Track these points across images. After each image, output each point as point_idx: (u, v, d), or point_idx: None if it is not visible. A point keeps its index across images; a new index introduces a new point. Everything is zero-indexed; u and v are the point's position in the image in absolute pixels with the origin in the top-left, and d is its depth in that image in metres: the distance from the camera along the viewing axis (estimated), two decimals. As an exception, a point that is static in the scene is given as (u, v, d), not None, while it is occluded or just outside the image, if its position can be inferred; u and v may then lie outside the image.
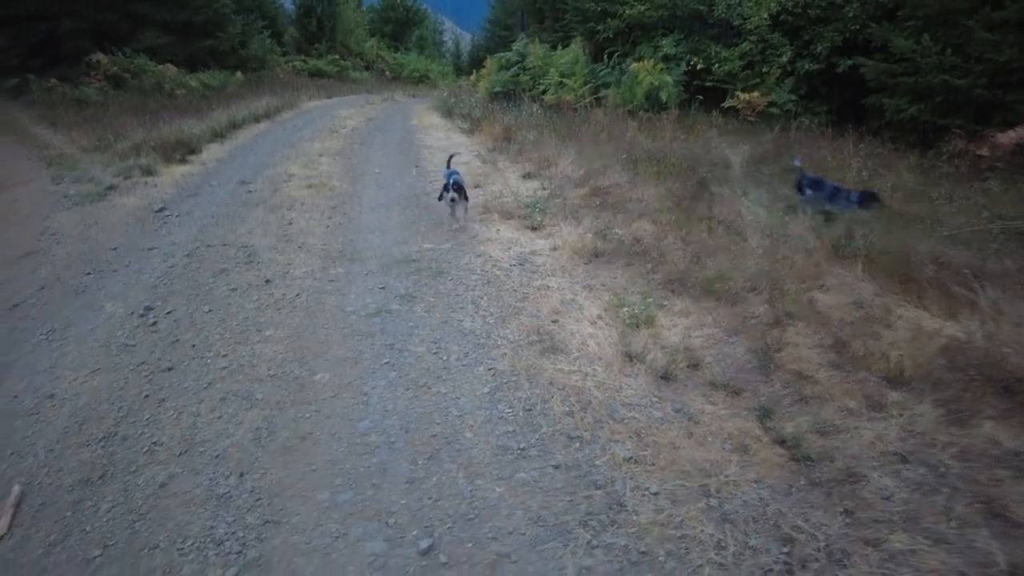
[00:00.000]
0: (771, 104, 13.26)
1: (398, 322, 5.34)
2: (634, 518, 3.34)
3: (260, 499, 3.48)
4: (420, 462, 3.74)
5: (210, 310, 5.64)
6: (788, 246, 6.31)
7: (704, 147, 10.17)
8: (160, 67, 21.32)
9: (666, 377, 4.50)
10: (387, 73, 35.02)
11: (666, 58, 13.89)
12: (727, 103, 13.63)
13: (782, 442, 3.86)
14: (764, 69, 13.50)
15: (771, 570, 3.05)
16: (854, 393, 4.30)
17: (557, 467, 3.70)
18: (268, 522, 3.33)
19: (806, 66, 13.20)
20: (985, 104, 10.37)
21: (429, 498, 3.48)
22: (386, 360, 4.78)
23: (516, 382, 4.49)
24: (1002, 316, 4.88)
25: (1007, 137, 10.18)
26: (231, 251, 7.02)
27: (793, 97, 13.29)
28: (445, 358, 4.80)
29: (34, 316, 5.67)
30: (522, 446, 3.87)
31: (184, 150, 11.87)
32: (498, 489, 3.54)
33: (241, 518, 3.35)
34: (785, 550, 3.16)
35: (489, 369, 4.65)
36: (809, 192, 7.21)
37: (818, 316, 5.14)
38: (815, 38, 12.99)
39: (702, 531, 3.26)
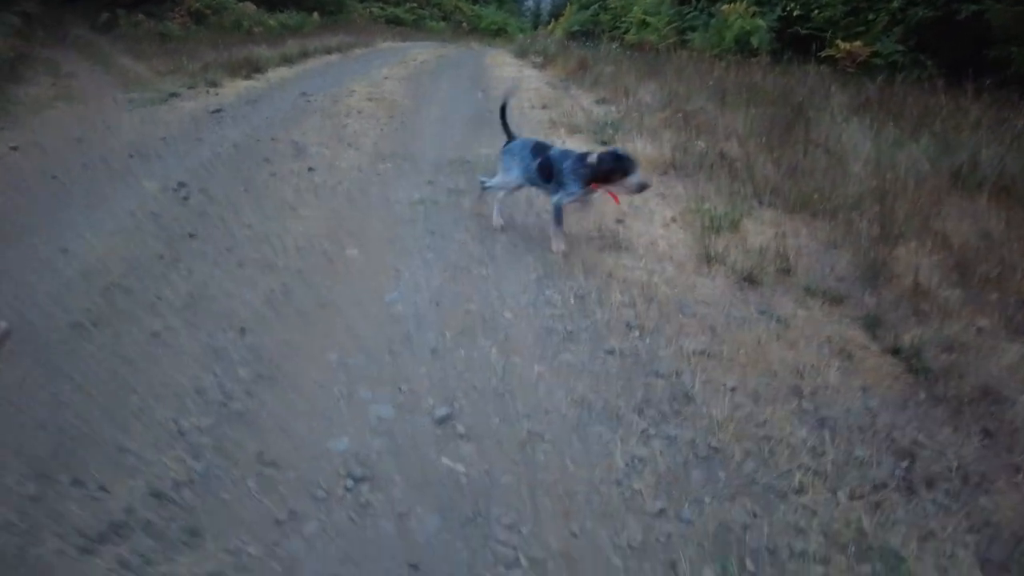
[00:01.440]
0: (874, 55, 11.95)
1: (443, 212, 4.78)
2: (704, 411, 2.68)
3: (259, 356, 2.98)
4: (449, 335, 3.18)
5: (246, 190, 5.22)
6: (896, 172, 5.39)
7: (801, 81, 9.15)
8: (240, 5, 21.39)
9: (751, 280, 3.78)
10: (464, 25, 34.39)
11: (759, 1, 12.72)
12: (825, 52, 12.38)
13: (895, 351, 3.12)
14: (870, 16, 12.17)
15: (885, 485, 2.33)
16: (988, 312, 3.49)
17: (611, 352, 3.07)
18: (262, 377, 2.83)
19: (920, 13, 11.80)
20: None
21: (454, 368, 2.91)
22: (426, 243, 4.23)
23: (569, 272, 3.86)
24: None
25: None
26: (279, 145, 6.61)
27: (900, 48, 11.92)
28: (490, 246, 4.20)
29: (69, 188, 5.39)
30: (570, 329, 3.26)
31: (251, 68, 11.63)
32: (537, 368, 2.94)
33: (232, 371, 2.86)
34: (904, 464, 2.44)
35: (539, 259, 4.02)
36: None
37: (935, 237, 4.27)
38: (933, -19, 11.58)
39: (792, 434, 2.57)
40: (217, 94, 9.71)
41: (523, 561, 1.98)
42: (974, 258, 4.03)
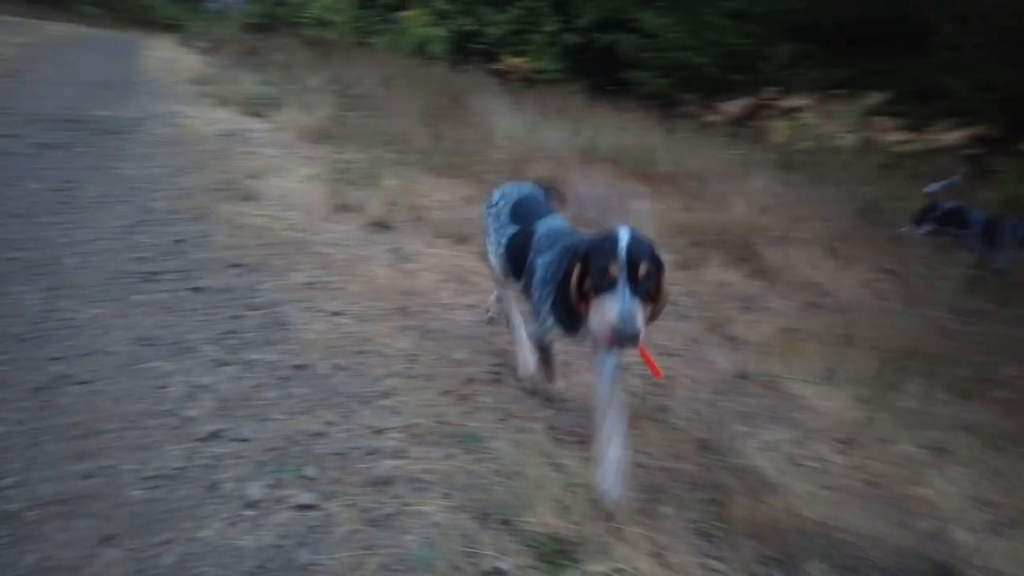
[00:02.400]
0: (537, 71, 13.35)
1: (19, 163, 3.80)
2: (297, 335, 2.38)
3: None
4: (-31, 281, 2.40)
5: None
6: (535, 146, 5.88)
7: (469, 81, 9.69)
8: None
9: (382, 225, 3.64)
10: (130, 14, 30.11)
11: (439, 14, 13.34)
12: (496, 66, 13.46)
13: (508, 276, 3.20)
14: (531, 37, 13.58)
15: (474, 380, 2.29)
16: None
17: (199, 290, 2.61)
18: None
19: (570, 38, 13.52)
20: (715, 81, 11.29)
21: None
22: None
23: (172, 220, 3.29)
24: (726, 203, 4.90)
25: (731, 107, 11.14)
26: None
27: (558, 66, 13.51)
28: (76, 194, 3.42)
29: None
30: (153, 270, 2.72)
31: None
32: (94, 310, 2.35)
33: None
34: (495, 362, 2.43)
35: (139, 208, 3.38)
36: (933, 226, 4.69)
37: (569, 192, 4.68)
38: (579, 12, 13.36)
39: (390, 346, 2.41)
40: None
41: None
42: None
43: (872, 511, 2.02)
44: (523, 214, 2.26)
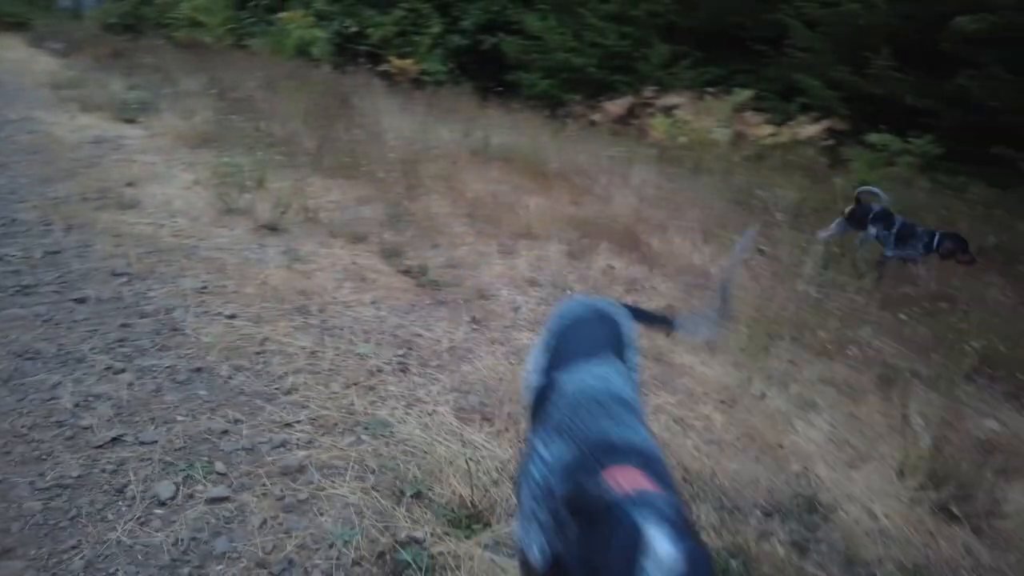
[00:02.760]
0: (424, 73, 13.36)
1: None
2: (193, 340, 2.34)
3: None
4: None
5: None
6: (426, 145, 5.95)
7: (356, 82, 9.57)
8: None
9: (273, 228, 3.59)
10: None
11: (319, 15, 13.06)
12: (382, 68, 13.34)
13: (407, 272, 3.28)
14: (416, 38, 13.59)
15: (381, 370, 2.34)
16: (488, 242, 3.97)
17: (82, 300, 2.49)
18: None
19: (455, 40, 13.63)
20: (597, 81, 11.78)
21: None
22: None
23: (44, 231, 3.10)
24: (611, 196, 5.19)
25: (614, 106, 11.65)
26: None
27: (445, 68, 13.59)
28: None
29: None
30: (27, 284, 2.56)
31: None
32: (-40, 328, 2.20)
33: None
34: (400, 353, 2.50)
35: (3, 219, 3.15)
36: (873, 230, 4.90)
37: (454, 191, 4.79)
38: (463, 14, 13.51)
39: (291, 344, 2.42)
40: None
41: None
42: (482, 204, 4.61)
43: (750, 459, 2.27)
44: (564, 348, 1.45)
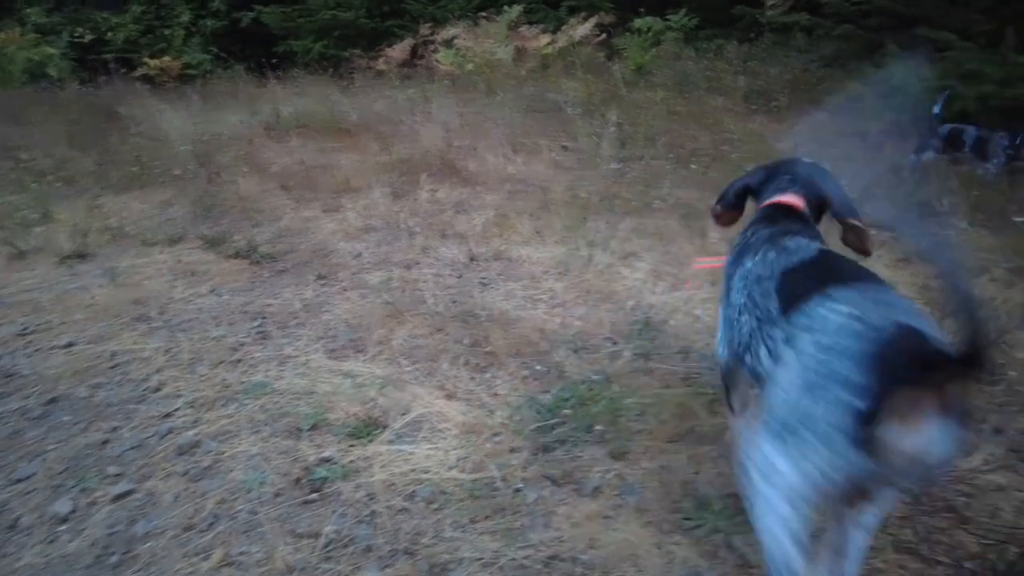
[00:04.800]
0: (188, 66, 12.36)
1: None
2: (34, 378, 2.23)
3: None
4: None
5: None
6: (215, 133, 5.68)
7: (117, 95, 8.71)
8: None
9: (80, 255, 3.37)
10: None
11: (40, 30, 11.52)
12: (141, 71, 12.15)
13: (237, 255, 3.25)
14: (166, 32, 12.47)
15: (243, 343, 2.39)
16: (310, 206, 3.98)
17: None
18: None
19: (210, 24, 12.68)
20: (372, 31, 11.57)
21: None
22: None
23: None
24: (418, 135, 5.33)
25: (396, 52, 11.56)
26: None
27: (208, 56, 12.64)
28: None
29: None
30: None
31: None
32: None
33: None
34: (256, 324, 2.55)
35: None
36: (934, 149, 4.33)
37: (259, 170, 4.67)
38: (209, -6, 12.54)
39: (144, 349, 2.38)
40: None
41: None
42: (292, 174, 4.55)
43: (592, 309, 2.62)
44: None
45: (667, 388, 2.02)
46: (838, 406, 0.99)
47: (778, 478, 1.06)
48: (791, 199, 1.55)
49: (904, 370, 0.97)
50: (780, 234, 1.41)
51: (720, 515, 1.56)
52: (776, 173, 1.62)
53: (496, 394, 2.02)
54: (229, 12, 13.21)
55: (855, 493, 1.11)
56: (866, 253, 1.51)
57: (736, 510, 1.58)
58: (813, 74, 7.51)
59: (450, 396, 2.02)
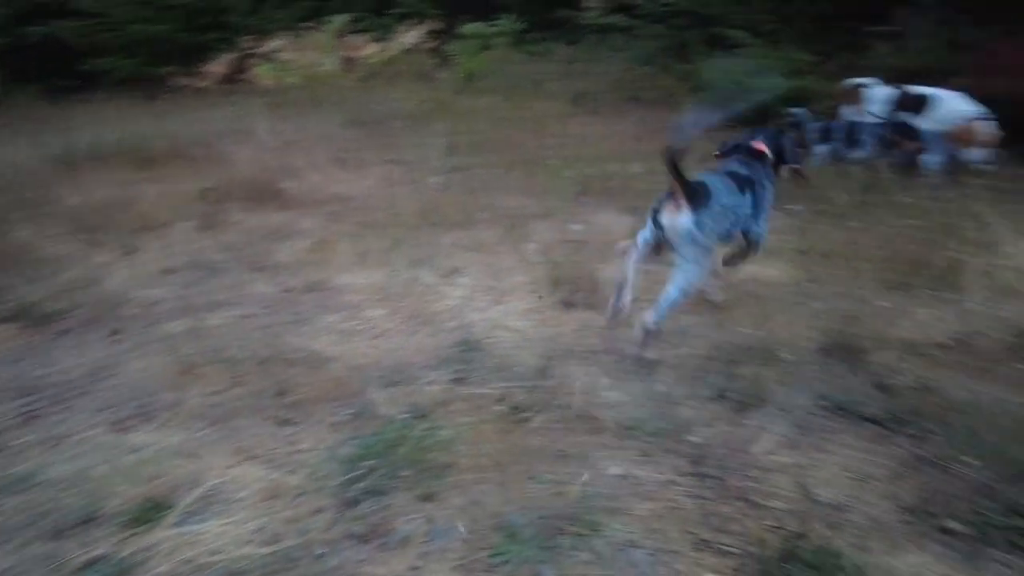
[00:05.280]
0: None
1: None
2: None
3: None
4: None
5: None
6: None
7: None
8: None
9: None
10: None
11: None
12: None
13: (5, 320, 2.82)
14: (-68, 56, 10.82)
15: (5, 428, 2.07)
16: (104, 250, 3.57)
17: None
18: None
19: (-9, 43, 11.16)
20: (190, 45, 10.74)
21: None
22: None
23: None
24: (235, 157, 4.99)
25: (217, 67, 10.87)
26: None
27: (-8, 79, 11.13)
28: None
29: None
30: None
31: None
32: None
33: None
34: (24, 402, 2.22)
35: None
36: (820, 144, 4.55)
37: (45, 214, 4.13)
38: (-15, 10, 11.02)
39: None
40: None
41: None
42: (85, 215, 4.07)
43: (411, 335, 2.54)
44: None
45: (480, 413, 1.98)
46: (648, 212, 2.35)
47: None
48: (759, 145, 2.63)
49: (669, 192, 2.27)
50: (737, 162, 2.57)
51: (529, 544, 1.53)
52: (756, 134, 2.67)
53: (300, 449, 1.88)
54: (14, 27, 11.74)
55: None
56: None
57: (546, 534, 1.58)
58: (633, 72, 7.93)
59: (249, 458, 1.85)
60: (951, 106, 4.35)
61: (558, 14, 9.02)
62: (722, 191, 2.32)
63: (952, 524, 1.58)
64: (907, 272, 2.87)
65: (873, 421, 2.00)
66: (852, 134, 4.49)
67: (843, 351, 2.33)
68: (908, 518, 1.63)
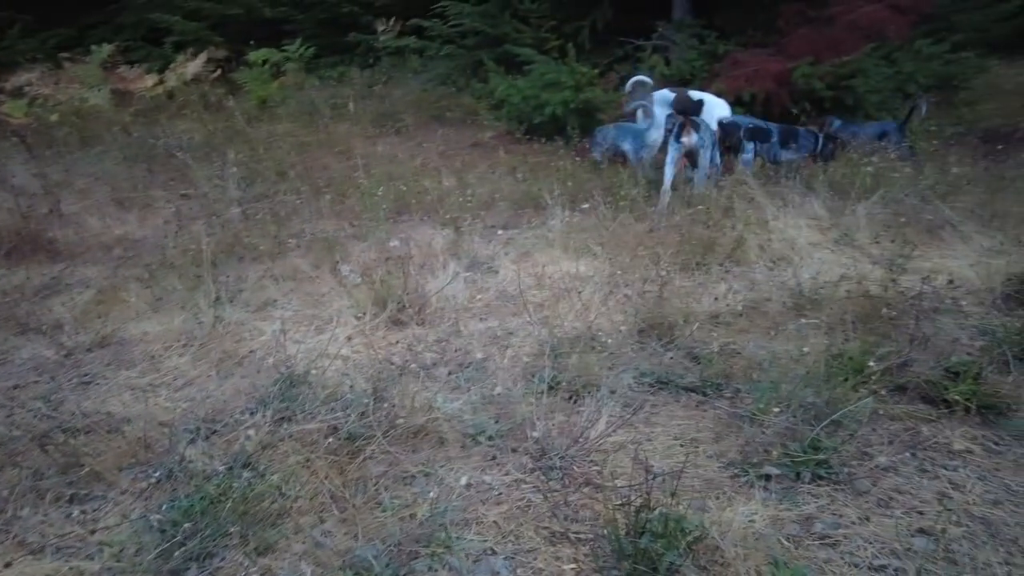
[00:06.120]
0: None
1: None
2: None
3: None
4: None
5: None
6: None
7: None
8: None
9: None
10: None
11: None
12: None
13: None
14: None
15: None
16: None
17: None
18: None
19: None
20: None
21: None
22: None
23: None
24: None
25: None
26: None
27: None
28: None
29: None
30: None
31: None
32: None
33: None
34: None
35: None
36: (749, 146, 4.46)
37: None
38: None
39: None
40: None
41: None
42: None
43: (225, 378, 2.30)
44: None
45: (310, 450, 1.83)
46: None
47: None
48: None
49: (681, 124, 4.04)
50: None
51: (383, 575, 1.44)
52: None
53: (100, 528, 1.60)
54: None
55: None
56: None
57: (400, 561, 1.49)
58: (431, 92, 8.02)
59: (35, 552, 1.54)
60: (716, 110, 4.95)
61: (350, 38, 8.88)
62: (704, 127, 4.04)
63: (770, 469, 1.74)
64: (701, 253, 3.17)
65: (692, 390, 2.16)
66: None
67: (656, 330, 2.50)
68: (734, 471, 1.77)
